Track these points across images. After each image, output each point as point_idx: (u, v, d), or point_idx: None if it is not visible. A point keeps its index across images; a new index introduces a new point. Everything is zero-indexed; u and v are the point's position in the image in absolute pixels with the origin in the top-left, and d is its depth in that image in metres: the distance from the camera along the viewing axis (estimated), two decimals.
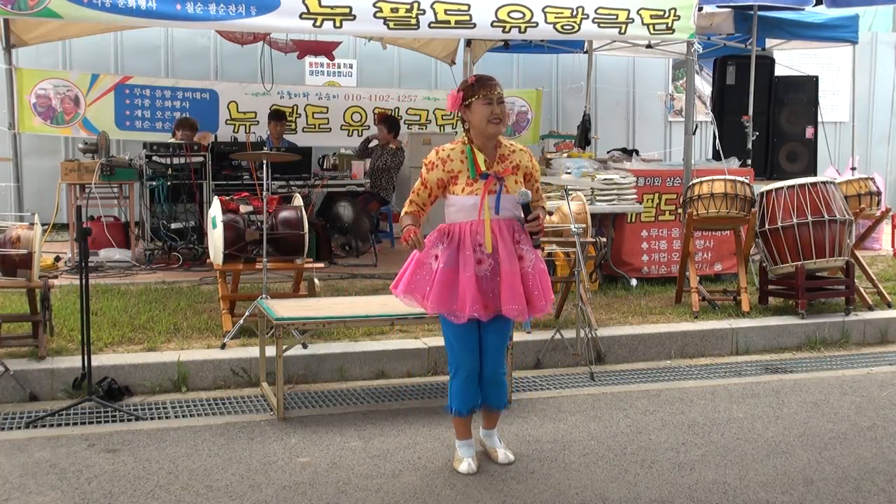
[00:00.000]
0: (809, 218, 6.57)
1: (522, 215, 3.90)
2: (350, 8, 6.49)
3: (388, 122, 10.08)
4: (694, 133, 8.22)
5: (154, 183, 8.30)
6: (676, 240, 7.81)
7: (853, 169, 9.85)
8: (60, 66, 10.50)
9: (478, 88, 3.87)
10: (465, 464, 4.05)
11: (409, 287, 3.99)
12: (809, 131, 9.84)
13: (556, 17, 6.92)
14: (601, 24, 7.05)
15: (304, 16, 6.44)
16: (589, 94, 11.49)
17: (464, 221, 3.90)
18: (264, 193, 5.85)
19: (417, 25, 6.68)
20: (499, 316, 3.94)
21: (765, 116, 9.60)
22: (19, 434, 4.46)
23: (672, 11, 7.18)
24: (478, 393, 4.05)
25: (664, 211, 7.87)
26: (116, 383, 5.03)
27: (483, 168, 3.89)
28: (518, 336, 5.71)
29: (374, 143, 10.18)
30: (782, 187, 6.75)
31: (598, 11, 7.00)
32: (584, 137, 10.87)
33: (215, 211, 5.94)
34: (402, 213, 4.02)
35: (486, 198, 3.85)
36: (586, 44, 11.30)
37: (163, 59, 11.03)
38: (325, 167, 9.53)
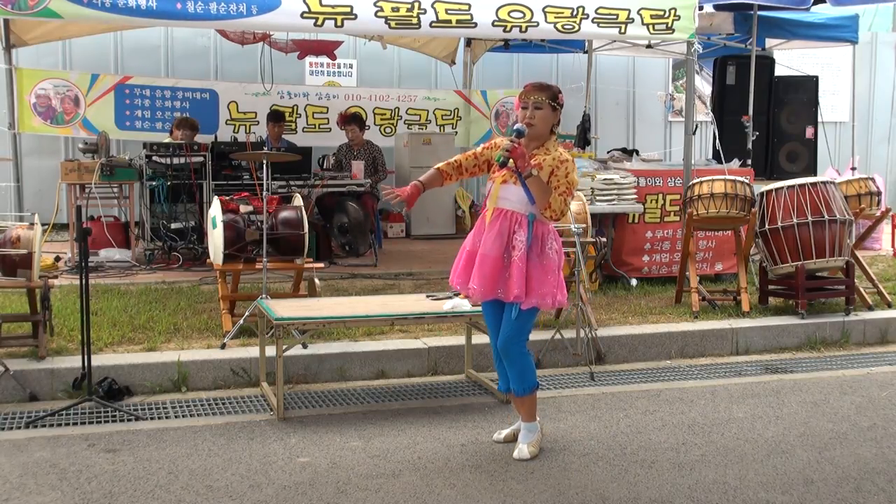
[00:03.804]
0: (809, 218, 6.57)
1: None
2: (351, 7, 6.50)
3: (359, 121, 10.00)
4: (694, 133, 8.22)
5: (154, 183, 8.30)
6: (680, 241, 7.79)
7: (853, 169, 9.85)
8: (60, 66, 10.51)
9: (521, 93, 4.16)
10: (496, 433, 4.47)
11: None
12: (809, 131, 9.84)
13: (556, 17, 6.93)
14: (601, 24, 7.05)
15: (305, 15, 6.44)
16: (589, 94, 11.50)
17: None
18: (264, 193, 5.85)
19: (419, 25, 6.68)
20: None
21: (765, 116, 9.60)
22: (19, 434, 4.46)
23: (672, 11, 7.19)
24: (504, 372, 4.29)
25: (669, 212, 7.85)
26: (116, 383, 5.03)
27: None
28: None
29: (337, 151, 9.96)
30: (782, 187, 6.75)
31: (599, 11, 7.00)
32: (583, 137, 10.87)
33: (215, 211, 5.94)
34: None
35: (497, 187, 4.11)
36: (586, 44, 11.31)
37: (163, 58, 11.04)
38: (325, 167, 9.52)
